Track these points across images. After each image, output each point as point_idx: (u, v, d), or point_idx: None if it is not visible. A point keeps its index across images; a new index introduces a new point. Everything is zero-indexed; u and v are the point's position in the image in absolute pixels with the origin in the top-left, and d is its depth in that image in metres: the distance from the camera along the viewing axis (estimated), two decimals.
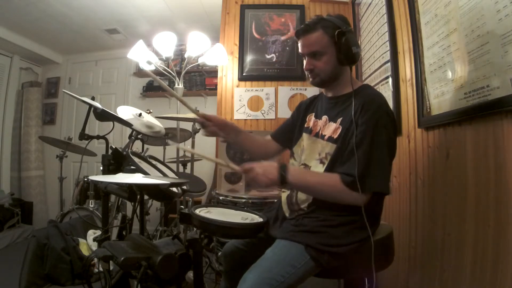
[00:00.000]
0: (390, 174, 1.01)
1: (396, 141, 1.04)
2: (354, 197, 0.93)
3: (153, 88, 3.90)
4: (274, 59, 2.44)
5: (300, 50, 1.11)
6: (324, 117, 1.13)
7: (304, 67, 1.11)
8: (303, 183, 0.99)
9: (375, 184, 0.93)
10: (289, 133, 1.27)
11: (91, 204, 2.56)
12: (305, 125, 1.20)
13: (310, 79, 1.12)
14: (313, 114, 1.20)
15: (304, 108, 1.26)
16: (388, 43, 1.65)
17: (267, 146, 1.31)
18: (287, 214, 1.11)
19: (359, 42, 2.14)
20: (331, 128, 1.06)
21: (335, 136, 1.03)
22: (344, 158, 0.98)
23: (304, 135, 1.18)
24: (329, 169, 1.02)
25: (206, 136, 1.19)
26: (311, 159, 1.10)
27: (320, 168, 1.05)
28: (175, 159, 2.31)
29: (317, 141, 1.10)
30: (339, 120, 1.05)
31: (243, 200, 1.75)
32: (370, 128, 0.95)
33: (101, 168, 1.33)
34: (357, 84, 1.10)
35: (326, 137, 1.07)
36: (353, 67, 1.19)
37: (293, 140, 1.23)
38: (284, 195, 1.18)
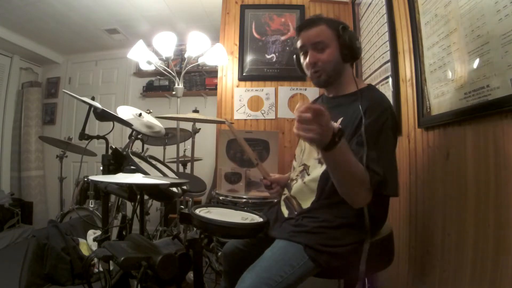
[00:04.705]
0: None
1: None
2: (365, 196, 0.90)
3: (153, 88, 3.90)
4: (274, 59, 2.44)
5: (300, 44, 1.09)
6: None
7: (307, 61, 1.06)
8: (345, 158, 0.84)
9: (391, 187, 0.92)
10: None
11: (91, 204, 2.56)
12: None
13: (314, 79, 1.09)
14: None
15: None
16: (388, 43, 1.65)
17: None
18: (285, 215, 1.12)
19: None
20: None
21: None
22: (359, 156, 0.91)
23: None
24: None
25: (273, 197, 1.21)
26: (310, 158, 1.10)
27: (319, 168, 1.05)
28: (175, 159, 2.32)
29: None
30: (340, 120, 1.03)
31: (243, 200, 1.75)
32: (379, 130, 0.94)
33: (101, 168, 1.33)
34: (361, 84, 1.09)
35: None
36: (353, 66, 1.20)
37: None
38: (283, 196, 1.19)
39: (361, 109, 0.97)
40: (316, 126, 0.73)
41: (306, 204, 1.05)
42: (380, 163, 0.90)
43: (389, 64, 1.65)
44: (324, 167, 1.03)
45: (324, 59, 1.05)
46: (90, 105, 1.42)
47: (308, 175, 1.08)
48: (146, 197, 1.36)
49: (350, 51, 1.03)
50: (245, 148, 1.19)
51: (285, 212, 1.13)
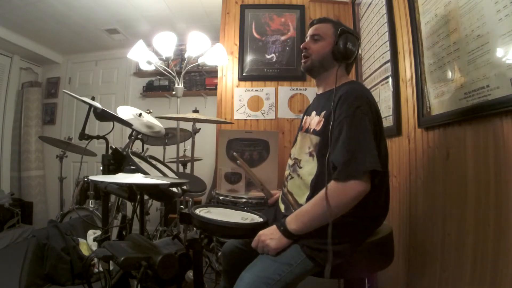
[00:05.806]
0: (385, 155, 1.01)
1: (383, 130, 1.03)
2: (353, 187, 0.88)
3: (153, 88, 3.90)
4: (274, 59, 2.44)
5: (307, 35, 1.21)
6: (313, 113, 1.17)
7: (301, 45, 1.19)
8: (305, 219, 0.93)
9: (363, 164, 0.88)
10: None
11: (91, 204, 2.56)
12: (301, 125, 1.25)
13: (302, 63, 1.19)
14: (306, 113, 1.26)
15: (303, 114, 1.32)
16: (388, 43, 1.65)
17: None
18: (282, 210, 1.13)
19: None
20: (316, 121, 1.10)
21: (318, 129, 1.07)
22: (330, 150, 0.97)
23: (299, 134, 1.22)
24: (320, 162, 1.02)
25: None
26: (302, 153, 1.13)
27: (310, 161, 1.06)
28: (175, 159, 2.32)
29: (307, 135, 1.13)
30: (323, 113, 1.08)
31: (243, 200, 1.75)
32: (349, 116, 0.94)
33: (101, 168, 1.33)
34: (344, 80, 1.14)
35: (311, 130, 1.11)
36: (352, 69, 1.22)
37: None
38: (280, 194, 1.22)
39: (335, 99, 1.01)
40: (264, 244, 0.94)
41: (302, 199, 1.05)
42: (345, 148, 0.90)
43: (389, 64, 1.65)
44: (315, 162, 1.04)
45: (314, 49, 1.15)
46: (90, 105, 1.42)
47: (300, 168, 1.10)
48: (146, 197, 1.36)
49: (340, 50, 1.10)
50: (252, 176, 1.38)
51: (282, 207, 1.14)
